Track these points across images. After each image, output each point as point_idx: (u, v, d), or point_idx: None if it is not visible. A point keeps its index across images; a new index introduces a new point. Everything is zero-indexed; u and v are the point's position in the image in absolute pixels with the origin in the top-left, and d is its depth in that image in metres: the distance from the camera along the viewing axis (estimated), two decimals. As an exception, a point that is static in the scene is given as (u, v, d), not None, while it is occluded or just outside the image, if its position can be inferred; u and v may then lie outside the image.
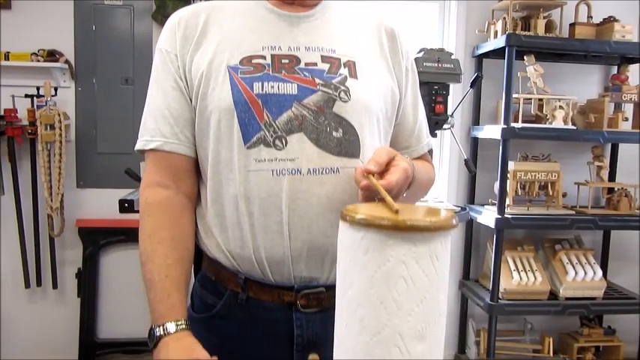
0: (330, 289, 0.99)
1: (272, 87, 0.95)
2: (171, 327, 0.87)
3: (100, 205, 2.67)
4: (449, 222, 0.57)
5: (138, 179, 2.19)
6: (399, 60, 1.08)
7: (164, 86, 0.99)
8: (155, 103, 1.00)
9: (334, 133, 0.96)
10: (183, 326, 0.88)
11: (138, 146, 1.00)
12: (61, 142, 2.47)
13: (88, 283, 2.70)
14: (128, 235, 2.68)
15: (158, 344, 0.87)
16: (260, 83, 0.95)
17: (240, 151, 0.94)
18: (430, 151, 1.19)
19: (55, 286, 2.69)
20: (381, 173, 0.84)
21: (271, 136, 0.94)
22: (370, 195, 0.82)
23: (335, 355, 0.62)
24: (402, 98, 1.08)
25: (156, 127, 0.98)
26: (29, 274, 2.66)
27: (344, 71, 0.99)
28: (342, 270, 0.60)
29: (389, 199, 0.68)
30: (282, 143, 0.94)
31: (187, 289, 0.96)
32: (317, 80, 0.97)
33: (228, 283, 1.01)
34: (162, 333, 0.87)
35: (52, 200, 2.53)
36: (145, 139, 0.99)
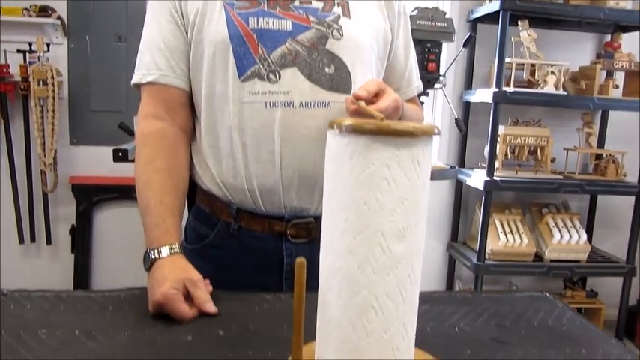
0: (319, 219, 1.02)
1: (267, 22, 0.97)
2: (165, 250, 0.91)
3: (94, 162, 2.69)
4: (431, 129, 0.60)
5: (132, 134, 2.21)
6: (392, 2, 1.10)
7: (160, 20, 1.01)
8: (151, 36, 1.02)
9: (326, 69, 0.99)
10: (177, 250, 0.92)
11: (134, 80, 1.03)
12: (53, 98, 2.48)
13: (81, 239, 2.74)
14: (122, 193, 2.71)
15: (152, 266, 0.90)
16: (255, 18, 0.97)
17: (235, 83, 0.97)
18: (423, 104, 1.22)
19: (49, 242, 2.72)
20: (371, 102, 0.87)
21: (265, 70, 0.97)
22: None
23: (321, 258, 0.66)
24: (394, 40, 1.10)
25: (152, 61, 1.01)
26: (23, 230, 2.68)
27: (337, 10, 1.02)
28: (329, 177, 0.63)
29: (376, 113, 0.71)
30: (276, 77, 0.97)
31: (181, 216, 0.99)
32: (311, 18, 0.99)
33: (220, 214, 1.04)
34: (156, 256, 0.90)
35: (45, 156, 2.54)
36: (142, 72, 1.02)
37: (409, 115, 1.03)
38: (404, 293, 0.62)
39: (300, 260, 0.63)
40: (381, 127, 0.59)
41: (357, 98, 0.80)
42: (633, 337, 2.98)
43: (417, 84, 1.18)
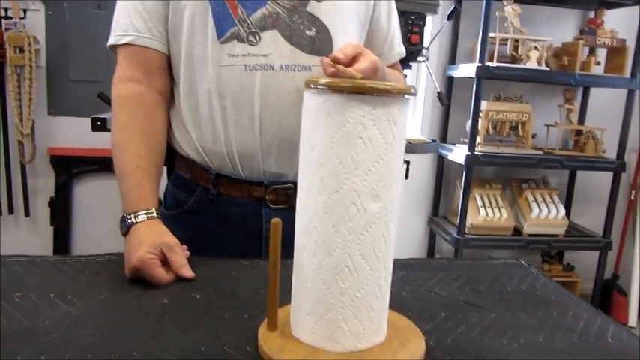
0: (298, 186, 1.02)
1: None
2: (141, 215, 0.90)
3: (73, 133, 2.64)
4: (407, 88, 0.59)
5: (110, 103, 2.17)
6: (374, -34, 1.08)
7: None
8: None
9: (307, 32, 0.97)
10: (154, 215, 0.91)
11: (111, 41, 1.00)
12: (31, 66, 2.42)
13: (61, 212, 2.71)
14: (101, 165, 2.67)
15: (129, 231, 0.89)
16: None
17: (214, 46, 0.95)
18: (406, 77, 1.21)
19: (27, 214, 2.69)
20: (349, 65, 0.86)
21: (245, 32, 0.95)
22: None
23: (297, 218, 0.66)
24: (376, 4, 1.09)
25: (129, 22, 0.98)
26: (1, 202, 2.64)
27: None
28: (304, 136, 0.63)
29: (355, 73, 0.70)
30: (256, 39, 0.95)
31: (159, 181, 0.98)
32: None
33: (199, 180, 1.04)
34: (133, 221, 0.89)
35: (22, 126, 2.50)
36: (118, 34, 0.99)
37: (389, 79, 1.02)
38: (378, 253, 0.62)
39: (276, 220, 0.63)
40: (357, 85, 0.58)
41: (335, 61, 0.79)
42: (608, 311, 3.04)
43: (399, 50, 1.17)
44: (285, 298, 0.68)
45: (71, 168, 2.69)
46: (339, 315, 0.62)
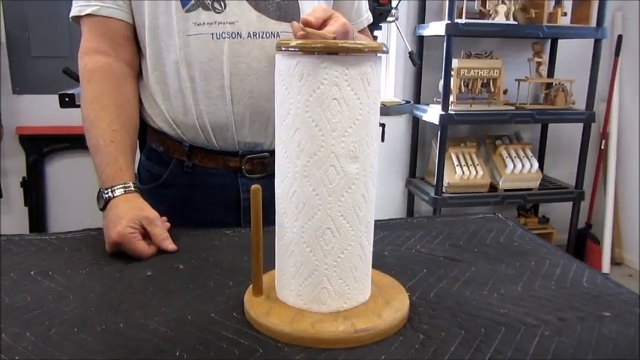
0: (274, 154, 1.02)
1: None
2: (119, 189, 0.89)
3: (40, 111, 2.58)
4: (379, 46, 0.59)
5: (77, 79, 2.12)
6: None
7: None
8: None
9: None
10: (132, 188, 0.90)
11: (73, 12, 0.97)
12: (-9, 44, 2.34)
13: (34, 191, 2.66)
14: (72, 142, 2.62)
15: (107, 206, 0.88)
16: None
17: (179, 14, 0.93)
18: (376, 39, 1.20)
19: (0, 195, 2.64)
20: (319, 29, 0.85)
21: None
22: None
23: (276, 184, 0.66)
24: None
25: None
26: (-29, 184, 2.59)
27: None
28: (279, 101, 0.63)
29: (327, 34, 0.69)
30: (221, 6, 0.93)
31: (134, 155, 0.96)
32: None
33: (173, 152, 1.02)
34: (110, 195, 0.88)
35: (-13, 106, 2.43)
36: (80, 4, 0.96)
37: None
38: (359, 213, 0.63)
39: (255, 187, 0.63)
40: (329, 45, 0.58)
41: (306, 24, 0.78)
42: (582, 259, 3.13)
43: (367, 15, 1.16)
44: (268, 264, 0.69)
45: (41, 147, 2.63)
46: (323, 277, 0.63)
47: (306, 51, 0.58)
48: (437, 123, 2.60)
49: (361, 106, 0.59)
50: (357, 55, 0.58)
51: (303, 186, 0.61)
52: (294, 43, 0.58)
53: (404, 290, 0.71)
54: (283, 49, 0.60)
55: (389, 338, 0.62)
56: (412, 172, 3.05)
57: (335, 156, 0.59)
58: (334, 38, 0.71)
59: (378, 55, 0.60)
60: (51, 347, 0.58)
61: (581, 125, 2.83)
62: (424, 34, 2.79)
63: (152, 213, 0.87)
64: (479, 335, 0.62)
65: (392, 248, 0.90)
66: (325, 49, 0.57)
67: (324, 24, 0.84)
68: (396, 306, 0.66)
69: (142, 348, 0.58)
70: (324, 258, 0.62)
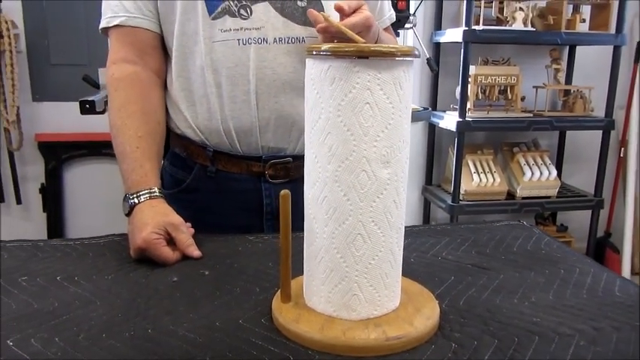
0: (297, 159, 1.02)
1: None
2: (144, 194, 0.89)
3: (59, 119, 2.60)
4: (411, 49, 0.58)
5: (97, 86, 2.13)
6: None
7: None
8: None
9: (299, 3, 0.96)
10: (157, 194, 0.90)
11: (102, 24, 0.98)
12: (11, 51, 2.37)
13: (52, 198, 2.68)
14: (90, 149, 2.64)
15: (132, 212, 0.88)
16: None
17: (205, 21, 0.94)
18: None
19: (19, 201, 2.66)
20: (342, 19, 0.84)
21: (236, 6, 0.93)
22: (329, 38, 0.83)
23: (305, 189, 0.65)
24: None
25: (118, 3, 0.96)
26: (-9, 190, 2.61)
27: None
28: (310, 105, 0.62)
29: (352, 34, 0.69)
30: (247, 12, 0.93)
31: (160, 161, 0.97)
32: None
33: (197, 158, 1.02)
34: (135, 201, 0.88)
35: (7, 113, 2.45)
36: (108, 16, 0.97)
37: (383, 40, 1.01)
38: (390, 219, 0.62)
39: (285, 192, 0.63)
40: (361, 48, 0.57)
41: (338, 9, 0.78)
42: (601, 268, 3.10)
43: (390, 14, 1.16)
44: (294, 270, 0.68)
45: (60, 153, 2.65)
46: (354, 283, 0.62)
47: (338, 55, 0.57)
48: (454, 130, 2.59)
49: (393, 110, 0.59)
50: (390, 59, 0.57)
51: (334, 191, 0.60)
52: (325, 47, 0.58)
53: (433, 298, 0.70)
54: (315, 53, 0.59)
55: (421, 346, 0.61)
56: (428, 179, 3.03)
57: (367, 161, 0.59)
58: (364, 41, 0.70)
59: (410, 59, 0.59)
60: (80, 353, 0.58)
61: (600, 132, 2.79)
62: (441, 41, 2.78)
63: (177, 219, 0.87)
64: (512, 344, 0.61)
65: (417, 255, 0.89)
66: (357, 52, 0.57)
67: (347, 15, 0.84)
68: (427, 314, 0.65)
69: (172, 354, 0.58)
70: (355, 264, 0.62)
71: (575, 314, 0.69)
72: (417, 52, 0.59)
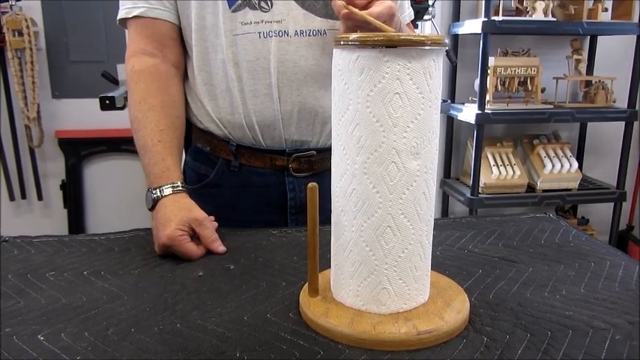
0: (321, 152, 1.01)
1: None
2: (167, 189, 0.89)
3: (78, 115, 2.63)
4: (441, 38, 0.57)
5: (116, 82, 2.14)
6: None
7: None
8: None
9: None
10: (180, 188, 0.90)
11: (120, 15, 0.98)
12: (31, 49, 2.39)
13: (73, 194, 2.71)
14: (109, 146, 2.66)
15: (155, 207, 0.88)
16: None
17: (226, 14, 0.93)
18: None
19: (40, 197, 2.69)
20: (364, 9, 0.82)
21: None
22: (352, 27, 0.82)
23: (333, 181, 0.64)
24: None
25: None
26: (12, 186, 2.64)
27: None
28: (337, 96, 0.61)
29: (380, 23, 0.68)
30: (268, 5, 0.93)
31: (181, 155, 0.96)
32: None
33: (220, 152, 1.02)
34: (158, 195, 0.88)
35: (28, 110, 2.48)
36: (127, 7, 0.97)
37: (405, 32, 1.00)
38: (420, 211, 0.61)
39: (312, 185, 0.62)
40: (391, 37, 0.56)
41: (349, 3, 0.77)
42: (623, 261, 3.05)
43: (409, 12, 1.14)
44: (320, 264, 0.67)
45: (80, 150, 2.68)
46: (383, 276, 0.61)
47: (366, 44, 0.56)
48: (473, 122, 2.56)
49: (423, 100, 0.58)
50: (419, 48, 0.56)
51: (363, 183, 0.59)
52: (354, 36, 0.57)
53: (462, 291, 0.69)
54: (342, 43, 0.58)
55: (452, 340, 0.60)
56: (447, 172, 3.00)
57: (396, 152, 0.58)
58: (393, 30, 0.69)
59: (440, 47, 0.58)
60: (110, 347, 0.58)
61: (622, 124, 2.75)
62: (459, 33, 2.74)
63: (201, 214, 0.87)
64: (545, 338, 0.60)
65: (443, 248, 0.88)
66: (386, 42, 0.55)
67: (368, 5, 0.82)
68: (457, 307, 0.64)
69: (202, 349, 0.57)
70: (384, 257, 0.61)
71: (609, 307, 0.67)
72: (446, 41, 0.58)
